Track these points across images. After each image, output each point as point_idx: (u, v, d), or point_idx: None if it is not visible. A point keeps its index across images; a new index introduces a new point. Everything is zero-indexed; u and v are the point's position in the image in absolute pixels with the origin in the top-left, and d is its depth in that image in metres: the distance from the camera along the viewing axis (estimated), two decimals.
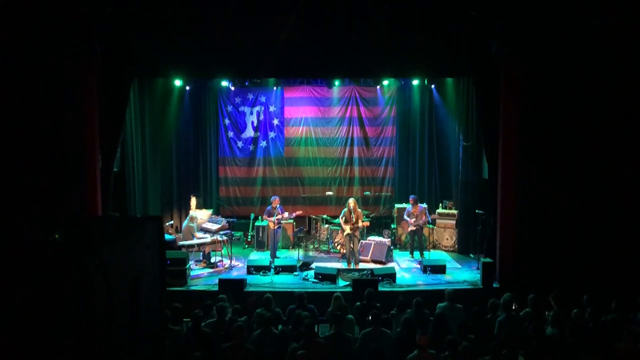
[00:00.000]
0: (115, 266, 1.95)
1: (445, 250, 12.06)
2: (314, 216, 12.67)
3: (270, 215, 11.01)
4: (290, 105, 13.40)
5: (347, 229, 10.27)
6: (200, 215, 11.75)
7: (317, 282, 9.54)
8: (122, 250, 2.10)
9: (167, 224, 12.03)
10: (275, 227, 10.95)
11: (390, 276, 9.51)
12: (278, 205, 11.05)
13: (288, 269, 10.13)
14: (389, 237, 11.94)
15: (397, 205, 12.61)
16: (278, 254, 11.23)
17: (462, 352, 5.39)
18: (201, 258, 10.75)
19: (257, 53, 9.54)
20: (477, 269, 10.10)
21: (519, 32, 8.93)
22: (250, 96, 13.37)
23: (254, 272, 9.97)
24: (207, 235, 10.88)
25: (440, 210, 12.30)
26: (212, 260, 10.69)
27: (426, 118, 12.98)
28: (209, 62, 9.95)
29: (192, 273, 9.89)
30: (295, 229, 12.26)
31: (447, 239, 12.17)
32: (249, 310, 7.28)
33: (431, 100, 12.87)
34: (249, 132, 13.45)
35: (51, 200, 8.35)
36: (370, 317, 6.27)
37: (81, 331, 1.62)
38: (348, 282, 9.33)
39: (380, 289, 8.82)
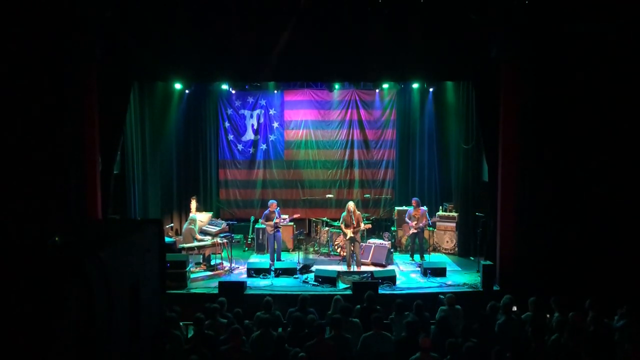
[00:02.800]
0: (116, 269, 1.95)
1: (446, 253, 12.05)
2: (314, 219, 12.67)
3: (267, 219, 10.99)
4: (290, 109, 13.42)
5: (349, 232, 10.26)
6: (200, 217, 11.75)
7: (317, 285, 9.53)
8: (122, 253, 2.10)
9: (167, 226, 12.03)
10: (274, 231, 10.92)
11: (391, 279, 9.51)
12: (276, 209, 11.03)
13: (288, 272, 10.13)
14: (389, 240, 11.93)
15: (397, 208, 12.62)
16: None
17: (464, 355, 5.38)
18: (201, 261, 10.74)
19: (257, 57, 9.55)
20: (478, 271, 10.10)
21: (519, 36, 8.95)
22: (251, 99, 13.39)
23: (254, 274, 9.97)
24: (207, 237, 10.87)
25: (440, 212, 12.29)
26: (212, 263, 10.68)
27: (426, 121, 13.00)
28: (209, 66, 9.96)
29: (192, 276, 9.88)
30: (296, 232, 12.25)
31: (447, 241, 12.16)
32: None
33: (431, 104, 12.89)
34: (249, 135, 13.46)
35: (52, 203, 8.35)
36: (371, 320, 6.26)
37: (81, 333, 1.62)
38: (348, 285, 9.33)
39: (381, 291, 8.82)
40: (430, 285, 9.61)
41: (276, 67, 9.54)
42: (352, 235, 10.26)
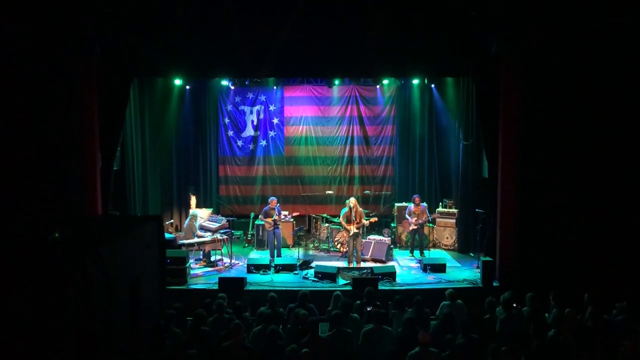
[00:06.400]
0: (116, 265, 1.95)
1: (445, 249, 12.06)
2: (314, 215, 12.67)
3: (266, 215, 10.98)
4: (290, 105, 13.40)
5: (353, 228, 10.21)
6: (200, 214, 11.75)
7: (317, 281, 9.54)
8: (122, 249, 2.10)
9: (167, 222, 12.03)
10: (273, 228, 10.90)
11: (390, 275, 9.52)
12: (276, 207, 11.01)
13: (288, 268, 10.14)
14: (389, 236, 11.94)
15: (397, 204, 12.61)
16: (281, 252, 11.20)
17: (462, 351, 5.40)
18: (201, 257, 10.75)
19: (257, 52, 9.53)
20: (477, 267, 10.11)
21: (519, 32, 8.93)
22: (250, 95, 13.37)
23: (254, 270, 9.98)
24: (207, 234, 10.88)
25: (440, 209, 12.30)
26: (212, 259, 10.69)
27: (426, 117, 12.98)
28: (209, 62, 9.95)
29: (192, 272, 9.89)
30: (295, 228, 12.26)
31: (447, 237, 12.17)
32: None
33: (431, 100, 12.87)
34: (249, 131, 13.45)
35: (51, 199, 8.35)
36: (372, 316, 6.28)
37: (81, 330, 1.62)
38: (348, 281, 9.34)
39: (380, 287, 8.83)
40: (430, 281, 9.62)
41: (276, 62, 9.52)
42: (355, 231, 10.22)
